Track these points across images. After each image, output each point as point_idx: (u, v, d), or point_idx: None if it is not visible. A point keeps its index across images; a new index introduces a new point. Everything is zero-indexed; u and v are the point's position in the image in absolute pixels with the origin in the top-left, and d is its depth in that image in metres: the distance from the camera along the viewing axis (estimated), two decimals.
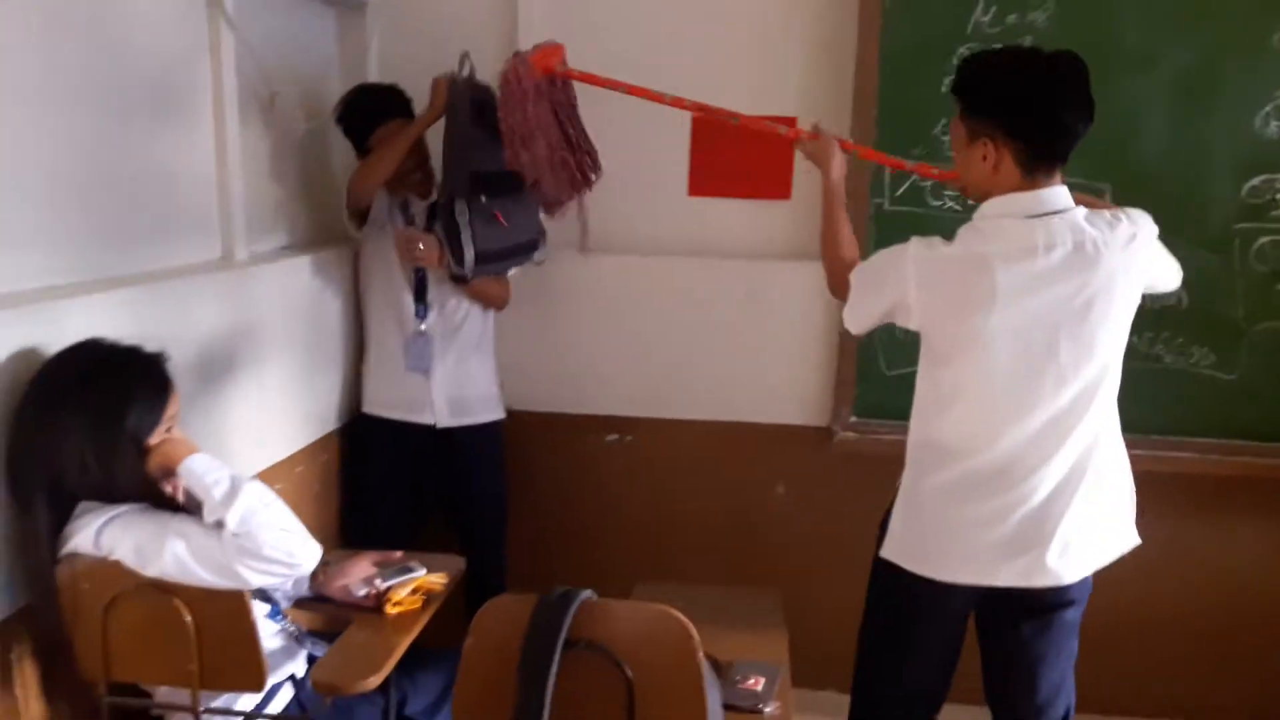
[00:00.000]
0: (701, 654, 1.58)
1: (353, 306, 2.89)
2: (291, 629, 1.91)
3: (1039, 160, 1.79)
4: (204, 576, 1.60)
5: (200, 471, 1.64)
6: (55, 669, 1.69)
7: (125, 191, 2.03)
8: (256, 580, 1.62)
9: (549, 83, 2.45)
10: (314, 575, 1.91)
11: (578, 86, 2.52)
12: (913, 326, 1.89)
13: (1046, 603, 1.92)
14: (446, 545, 2.82)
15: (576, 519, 3.12)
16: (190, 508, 1.68)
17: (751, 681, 1.90)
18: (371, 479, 2.87)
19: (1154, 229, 1.88)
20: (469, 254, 2.52)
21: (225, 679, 1.69)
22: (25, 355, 1.65)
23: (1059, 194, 1.81)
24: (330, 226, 2.87)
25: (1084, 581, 1.94)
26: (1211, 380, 2.80)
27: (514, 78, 2.40)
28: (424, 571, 2.01)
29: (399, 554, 2.08)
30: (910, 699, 2.03)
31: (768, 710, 1.85)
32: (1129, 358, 2.75)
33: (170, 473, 1.66)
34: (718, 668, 1.84)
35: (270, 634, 1.84)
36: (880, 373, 2.87)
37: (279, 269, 2.51)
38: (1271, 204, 2.70)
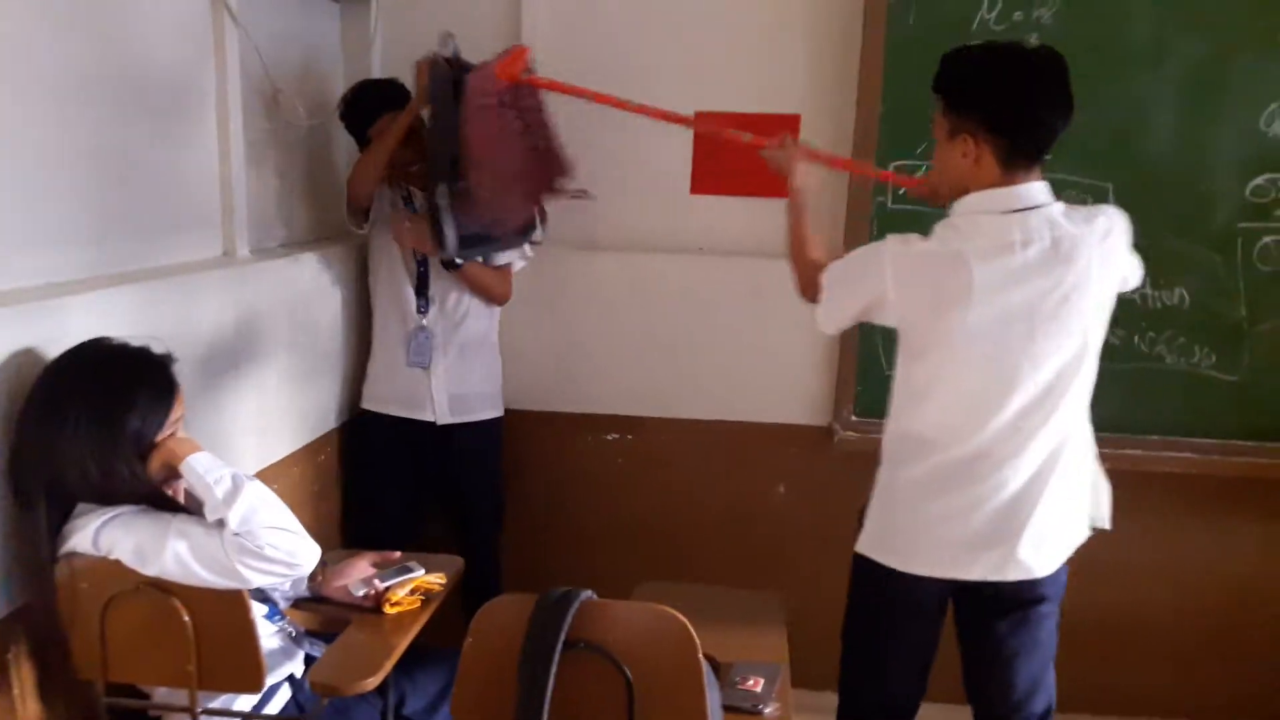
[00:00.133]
0: (701, 654, 1.58)
1: (354, 303, 2.89)
2: (290, 629, 1.91)
3: (1018, 156, 1.80)
4: (204, 576, 1.59)
5: (202, 470, 1.63)
6: (52, 669, 1.68)
7: (127, 188, 2.03)
8: (257, 580, 1.61)
9: (513, 91, 2.41)
10: (313, 575, 1.90)
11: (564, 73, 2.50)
12: (889, 323, 1.90)
13: (1021, 598, 1.93)
14: (444, 544, 2.83)
15: (576, 518, 3.12)
16: (191, 508, 1.68)
17: (751, 682, 1.89)
18: (371, 476, 2.87)
19: (1128, 226, 1.89)
20: (450, 236, 2.49)
21: (223, 679, 1.68)
22: (27, 353, 1.65)
23: (1037, 190, 1.82)
24: (333, 223, 2.87)
25: (1057, 577, 1.96)
26: (1213, 381, 2.79)
27: (478, 92, 2.36)
28: (423, 571, 2.01)
29: (398, 554, 2.08)
30: (891, 693, 2.03)
31: (767, 711, 1.85)
32: (1130, 358, 2.80)
33: (172, 471, 1.66)
34: (717, 668, 1.83)
35: (268, 634, 1.83)
36: (881, 372, 2.87)
37: (281, 265, 2.51)
38: (1275, 204, 2.70)
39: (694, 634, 1.56)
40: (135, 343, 1.70)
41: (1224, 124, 2.67)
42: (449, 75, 2.45)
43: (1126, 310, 2.75)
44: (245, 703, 1.77)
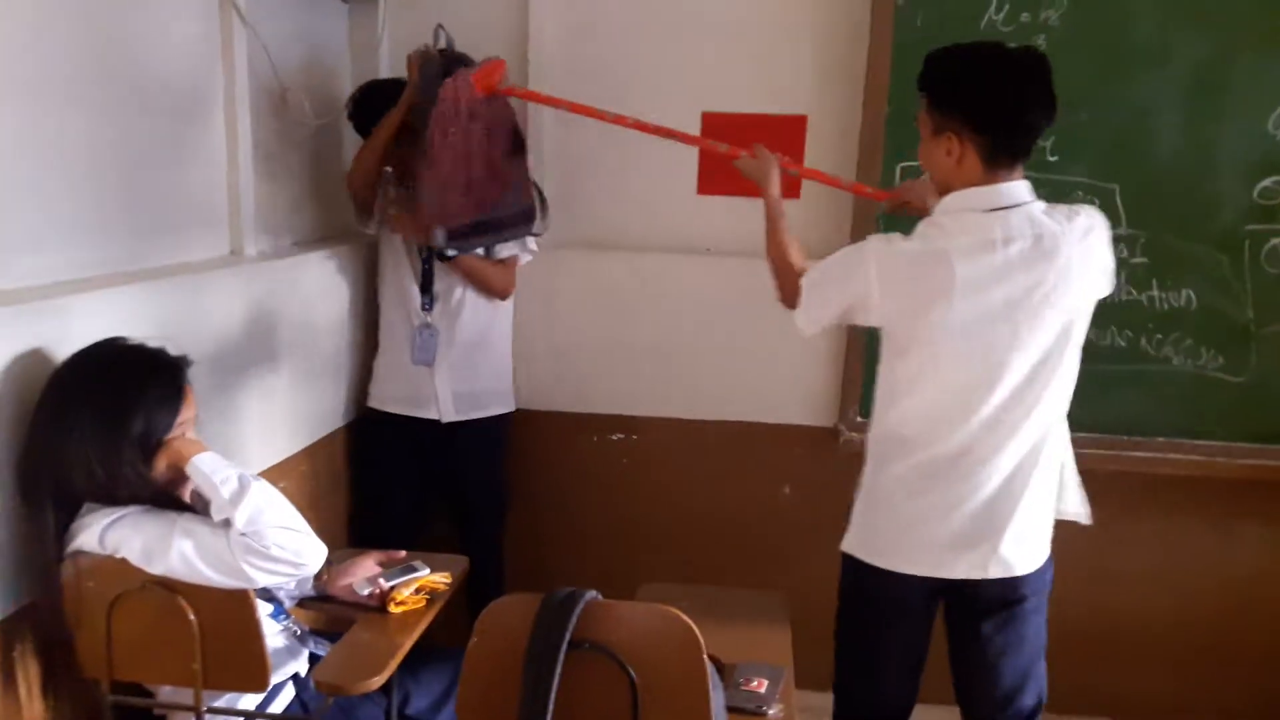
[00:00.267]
0: (705, 655, 1.58)
1: (361, 302, 2.89)
2: (295, 628, 1.91)
3: (1001, 155, 1.81)
4: (210, 576, 1.60)
5: (208, 470, 1.64)
6: (58, 667, 1.69)
7: (136, 187, 2.04)
8: (263, 580, 1.61)
9: (485, 102, 2.42)
10: (318, 574, 1.91)
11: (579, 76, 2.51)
12: (871, 323, 1.93)
13: (1006, 596, 1.94)
14: (449, 543, 2.83)
15: (580, 518, 3.12)
16: (198, 507, 1.68)
17: (755, 683, 1.89)
18: (377, 475, 2.88)
19: (1108, 226, 1.89)
20: (439, 232, 2.49)
21: (229, 678, 1.69)
22: (35, 352, 1.65)
23: (1019, 188, 1.83)
24: (340, 222, 2.87)
25: (1042, 574, 1.97)
26: (1220, 383, 2.79)
27: (451, 98, 2.37)
28: (428, 571, 2.01)
29: (403, 553, 2.08)
30: (884, 693, 2.04)
31: (771, 712, 1.84)
32: (1137, 360, 2.80)
33: (179, 472, 1.66)
34: (721, 669, 1.83)
35: (273, 633, 1.84)
36: None
37: (288, 265, 2.52)
38: None
39: (699, 635, 1.56)
40: (151, 344, 1.71)
41: (1231, 126, 2.66)
42: (439, 68, 2.46)
43: (1134, 312, 2.76)
44: (250, 701, 1.78)
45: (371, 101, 2.68)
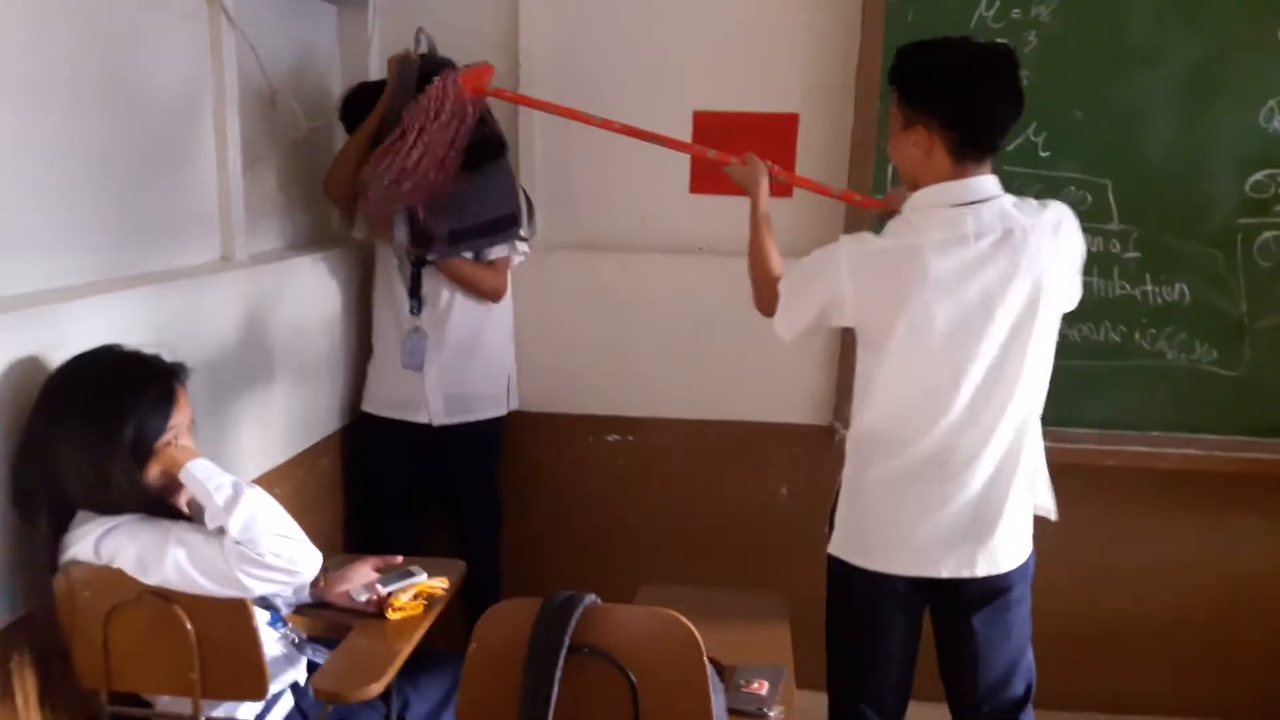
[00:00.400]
0: (706, 658, 1.58)
1: (354, 306, 2.88)
2: (293, 636, 1.90)
3: (969, 149, 1.83)
4: (205, 585, 1.59)
5: (202, 477, 1.63)
6: (55, 678, 1.68)
7: (125, 192, 2.02)
8: (258, 588, 1.60)
9: (472, 104, 2.43)
10: (315, 581, 1.90)
11: (568, 75, 2.52)
12: (847, 323, 1.93)
13: (991, 590, 1.95)
14: (446, 547, 2.83)
15: (578, 520, 3.11)
16: (195, 516, 1.67)
17: (756, 685, 1.89)
18: (372, 480, 2.87)
19: (1076, 220, 1.91)
20: (399, 233, 2.52)
21: (227, 688, 1.68)
22: (29, 360, 1.64)
23: (988, 182, 1.85)
24: (332, 226, 2.86)
25: (1025, 565, 1.98)
26: (1214, 377, 2.79)
27: (439, 96, 2.38)
28: (425, 576, 2.01)
29: (400, 559, 2.07)
30: (877, 693, 2.04)
31: (772, 714, 1.85)
32: (1132, 355, 2.80)
33: (173, 479, 1.65)
34: (721, 671, 1.83)
35: (271, 641, 1.82)
36: None
37: (280, 269, 2.50)
38: (1275, 199, 2.69)
39: (699, 638, 1.56)
40: (146, 350, 1.70)
41: (1223, 120, 2.66)
42: (414, 72, 2.47)
43: (1127, 307, 2.77)
44: (248, 710, 1.77)
45: (363, 102, 2.66)
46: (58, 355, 1.67)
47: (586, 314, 3.03)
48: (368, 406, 2.83)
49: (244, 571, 1.58)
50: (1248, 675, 2.99)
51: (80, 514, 1.64)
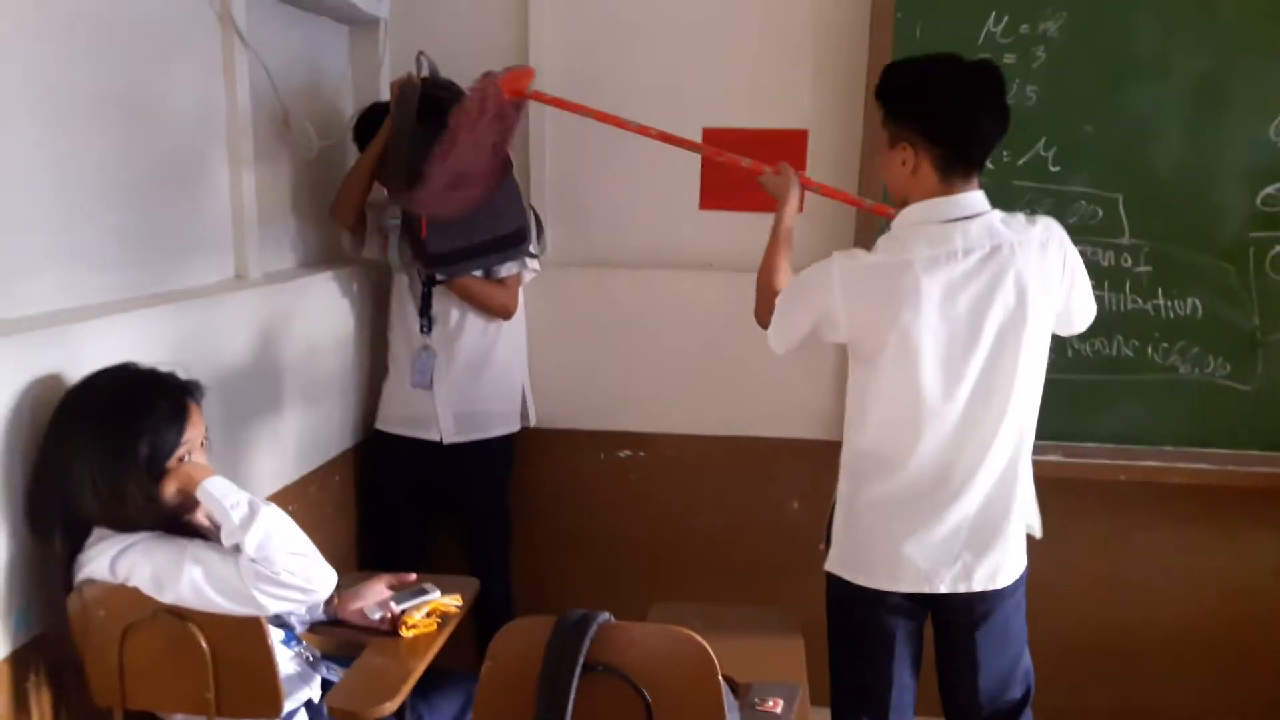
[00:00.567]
0: (720, 676, 1.57)
1: (367, 324, 2.90)
2: (307, 654, 1.90)
3: (955, 165, 1.84)
4: (220, 603, 1.59)
5: (219, 495, 1.63)
6: (70, 696, 1.68)
7: (140, 212, 2.04)
8: (273, 606, 1.61)
9: (514, 106, 2.46)
10: (329, 599, 1.90)
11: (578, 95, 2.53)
12: (839, 339, 1.93)
13: (991, 601, 1.95)
14: (458, 564, 2.83)
15: (589, 535, 3.11)
16: (211, 533, 1.68)
17: (770, 703, 1.88)
18: (384, 498, 2.88)
19: (1069, 240, 1.91)
20: (392, 249, 2.54)
21: (241, 706, 1.68)
22: (44, 380, 1.65)
23: (975, 198, 1.86)
24: (343, 246, 2.88)
25: (1023, 574, 1.99)
26: (1227, 391, 2.78)
27: (479, 97, 2.41)
28: (439, 594, 2.01)
29: (413, 576, 2.08)
30: (880, 708, 2.04)
31: None
32: (1145, 369, 2.79)
33: (189, 497, 1.66)
34: (736, 689, 1.83)
35: (285, 659, 1.82)
36: None
37: (294, 287, 2.51)
38: None
39: (713, 656, 1.56)
40: (160, 369, 1.71)
41: (1233, 134, 2.65)
42: (416, 95, 2.49)
43: (1139, 321, 2.76)
44: None
45: (375, 122, 2.68)
46: (74, 374, 1.68)
47: (597, 330, 3.03)
48: (381, 424, 2.84)
49: (260, 589, 1.58)
50: (1261, 690, 2.97)
51: (96, 531, 1.65)
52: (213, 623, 1.62)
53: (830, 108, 2.88)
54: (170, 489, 1.66)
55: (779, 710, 1.86)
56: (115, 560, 1.61)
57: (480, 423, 2.81)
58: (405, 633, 1.94)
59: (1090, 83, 2.67)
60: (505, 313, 2.77)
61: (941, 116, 1.82)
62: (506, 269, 2.73)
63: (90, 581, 1.62)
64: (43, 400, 1.64)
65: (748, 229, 2.93)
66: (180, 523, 1.67)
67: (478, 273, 2.68)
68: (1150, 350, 2.77)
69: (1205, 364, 2.78)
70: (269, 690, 1.66)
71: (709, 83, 2.89)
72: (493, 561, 2.89)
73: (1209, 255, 2.73)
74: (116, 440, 1.61)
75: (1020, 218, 1.88)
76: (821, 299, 1.90)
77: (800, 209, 2.20)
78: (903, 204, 1.91)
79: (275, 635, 1.78)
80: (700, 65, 2.90)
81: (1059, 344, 2.74)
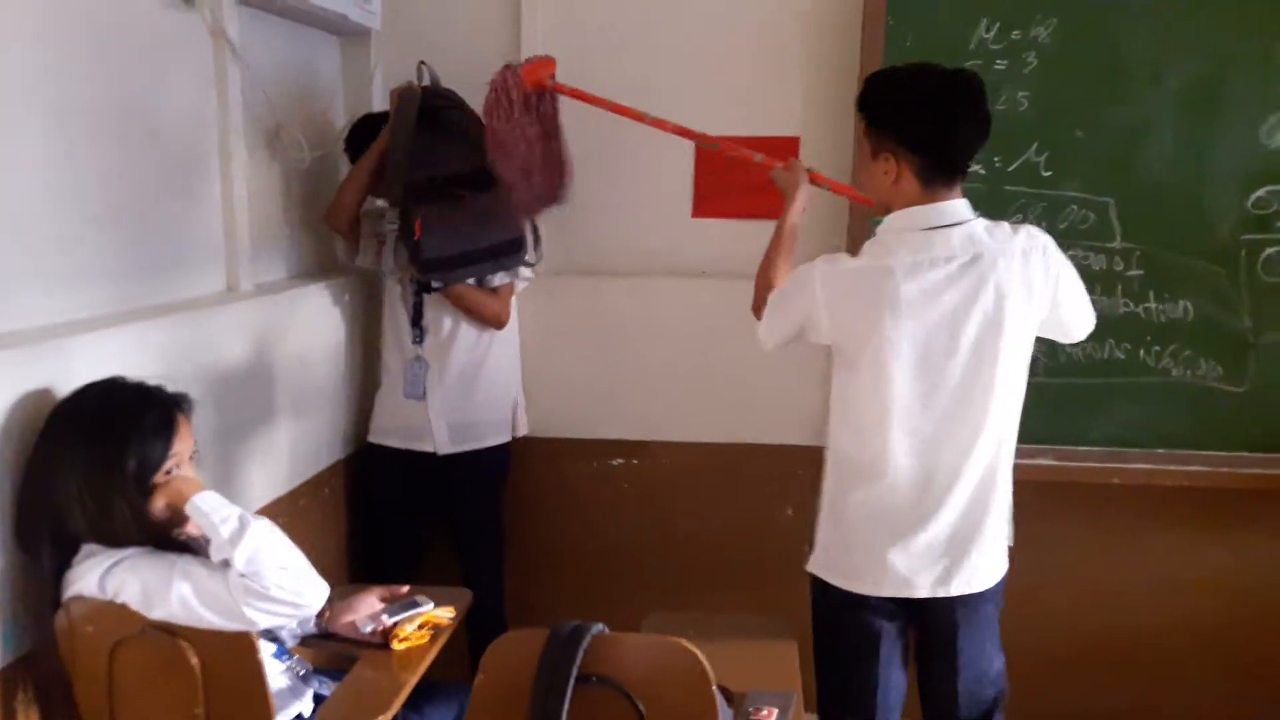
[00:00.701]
0: (715, 686, 1.57)
1: (359, 335, 2.89)
2: (298, 668, 1.89)
3: (936, 174, 1.86)
4: (209, 619, 1.58)
5: (208, 509, 1.62)
6: (58, 715, 1.67)
7: (131, 225, 2.03)
8: (264, 621, 1.59)
9: (537, 96, 2.49)
10: (320, 612, 1.89)
11: (571, 105, 2.53)
12: (823, 340, 1.96)
13: (971, 606, 1.97)
14: (450, 576, 2.82)
15: (583, 544, 3.10)
16: (198, 547, 1.67)
17: (765, 712, 1.87)
18: (377, 510, 2.87)
19: (1056, 250, 1.92)
20: (387, 261, 2.54)
21: None
22: (35, 395, 1.64)
23: (957, 206, 1.88)
24: (335, 256, 2.87)
25: (1003, 578, 2.01)
26: (1220, 393, 2.78)
27: (501, 88, 2.45)
28: (431, 606, 2.00)
29: (405, 589, 2.07)
30: (865, 711, 2.04)
31: None
32: (1137, 372, 2.80)
33: (178, 512, 1.65)
34: (730, 698, 1.82)
35: (276, 673, 1.81)
36: None
37: (285, 299, 2.51)
38: (1277, 215, 2.69)
39: (707, 666, 1.55)
40: (150, 382, 1.70)
41: (1224, 138, 2.66)
42: (416, 103, 2.48)
43: (1132, 325, 2.76)
44: None
45: (366, 133, 2.68)
46: (65, 388, 1.67)
47: (589, 338, 3.03)
48: (373, 436, 2.83)
49: (249, 605, 1.57)
50: (1257, 690, 2.97)
51: (85, 547, 1.64)
52: (203, 638, 1.60)
53: (822, 114, 2.88)
54: (159, 504, 1.65)
55: (774, 719, 1.85)
56: (104, 576, 1.59)
57: (474, 433, 2.80)
58: (397, 645, 1.93)
59: (1081, 88, 2.68)
60: (498, 322, 2.77)
61: (922, 126, 1.84)
62: (500, 278, 2.72)
63: (79, 598, 1.61)
64: (34, 415, 1.63)
65: (740, 237, 2.94)
66: (169, 538, 1.66)
67: (470, 281, 2.68)
68: (1143, 353, 2.78)
69: (1197, 366, 2.78)
70: (260, 706, 1.64)
71: (701, 92, 2.89)
72: (485, 572, 2.88)
73: (1200, 258, 2.73)
74: (103, 454, 1.60)
75: (1005, 226, 1.90)
76: (805, 302, 1.93)
77: (807, 206, 2.22)
78: (886, 213, 1.93)
79: (266, 649, 1.77)
80: (693, 75, 2.90)
81: (1051, 348, 2.75)
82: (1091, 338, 2.71)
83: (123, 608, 1.59)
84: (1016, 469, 2.06)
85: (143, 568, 1.60)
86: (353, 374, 2.88)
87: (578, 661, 1.54)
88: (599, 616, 1.64)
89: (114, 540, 1.63)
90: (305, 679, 1.88)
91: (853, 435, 1.96)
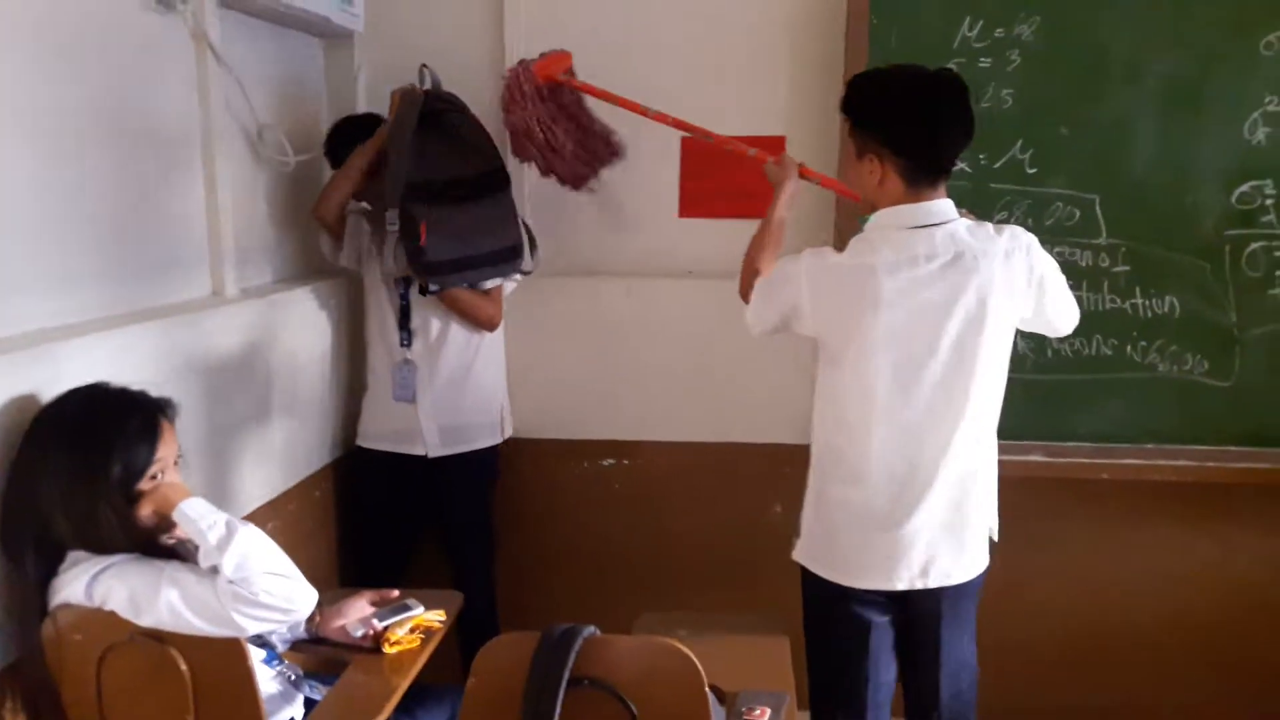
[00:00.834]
0: (707, 687, 1.57)
1: (345, 338, 2.88)
2: (289, 673, 1.88)
3: (921, 175, 1.89)
4: (198, 625, 1.57)
5: (195, 516, 1.61)
6: None
7: (115, 230, 2.02)
8: (253, 628, 1.59)
9: (551, 89, 2.58)
10: (311, 616, 1.88)
11: None
12: (807, 332, 1.99)
13: (953, 598, 2.00)
14: (441, 579, 2.81)
15: (574, 545, 3.09)
16: (185, 554, 1.66)
17: (758, 712, 1.87)
18: (366, 513, 2.86)
19: (1040, 250, 1.95)
20: (388, 263, 2.53)
21: None
22: (20, 401, 1.63)
23: (942, 206, 1.91)
24: (321, 258, 2.86)
25: (983, 571, 2.04)
26: (1206, 388, 2.79)
27: (514, 83, 2.56)
28: (422, 609, 1.99)
29: (396, 592, 2.06)
30: (858, 705, 2.06)
31: None
32: (1124, 368, 2.81)
33: (166, 519, 1.64)
34: (723, 698, 1.82)
35: (267, 678, 1.80)
36: None
37: (270, 303, 2.49)
38: (1261, 210, 2.70)
39: (699, 667, 1.55)
40: (133, 388, 1.69)
41: (1207, 134, 2.67)
42: (418, 106, 2.48)
43: (1118, 320, 2.78)
44: None
45: (346, 136, 2.67)
46: (49, 395, 1.66)
47: (578, 339, 3.02)
48: (362, 440, 2.81)
49: (238, 611, 1.56)
50: (1247, 683, 2.98)
51: (71, 555, 1.62)
52: (192, 645, 1.59)
53: (807, 113, 2.88)
54: (146, 510, 1.64)
55: (766, 718, 1.85)
56: (91, 584, 1.58)
57: (464, 435, 2.79)
58: (388, 649, 1.92)
59: (1065, 85, 2.69)
60: (492, 324, 2.77)
61: (906, 128, 1.87)
62: (492, 280, 2.72)
63: (65, 606, 1.60)
64: (19, 421, 1.61)
65: (726, 237, 2.93)
66: (157, 544, 1.65)
67: (463, 284, 2.67)
68: (1129, 349, 2.79)
69: (1184, 361, 2.79)
70: (250, 712, 1.63)
71: (686, 92, 2.87)
72: (476, 575, 2.87)
73: (1186, 254, 2.75)
74: (87, 461, 1.59)
75: (988, 227, 1.93)
76: (792, 293, 1.96)
77: (795, 198, 2.24)
78: (873, 210, 1.96)
79: (256, 655, 1.77)
80: (677, 75, 2.89)
81: (1038, 344, 2.76)
82: (1079, 334, 2.74)
83: (110, 615, 1.58)
84: (1006, 465, 2.08)
85: (130, 574, 1.59)
86: (340, 377, 2.87)
87: (569, 664, 1.54)
88: (591, 617, 1.64)
89: (100, 547, 1.61)
90: (296, 684, 1.87)
91: (835, 429, 1.99)
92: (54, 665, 1.61)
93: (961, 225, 1.90)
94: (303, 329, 2.66)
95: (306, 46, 2.87)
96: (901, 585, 1.95)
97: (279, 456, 2.52)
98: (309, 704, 1.86)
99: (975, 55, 2.68)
